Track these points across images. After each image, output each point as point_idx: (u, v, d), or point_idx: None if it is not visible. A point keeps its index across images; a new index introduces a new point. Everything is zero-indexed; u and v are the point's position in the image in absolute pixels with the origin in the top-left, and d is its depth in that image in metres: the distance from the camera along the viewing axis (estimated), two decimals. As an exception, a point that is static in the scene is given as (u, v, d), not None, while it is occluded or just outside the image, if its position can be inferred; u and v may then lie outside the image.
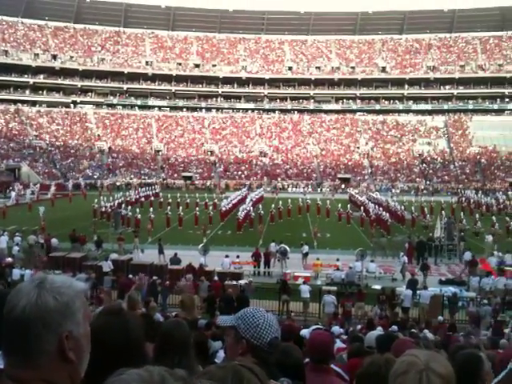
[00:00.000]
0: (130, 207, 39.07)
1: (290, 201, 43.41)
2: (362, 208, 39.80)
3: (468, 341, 11.25)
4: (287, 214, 41.37)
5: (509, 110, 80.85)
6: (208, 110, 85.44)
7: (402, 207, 40.08)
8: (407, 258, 25.31)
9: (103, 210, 38.93)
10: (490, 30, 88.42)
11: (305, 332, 6.32)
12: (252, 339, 2.22)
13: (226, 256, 23.40)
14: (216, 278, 20.00)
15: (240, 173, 70.64)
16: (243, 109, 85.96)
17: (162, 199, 46.94)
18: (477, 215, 38.03)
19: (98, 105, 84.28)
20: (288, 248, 24.98)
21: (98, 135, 77.73)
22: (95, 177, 67.73)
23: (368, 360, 3.17)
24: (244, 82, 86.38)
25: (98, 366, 1.55)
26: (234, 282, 19.57)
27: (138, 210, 38.37)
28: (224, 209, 39.91)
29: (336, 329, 9.55)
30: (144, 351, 2.48)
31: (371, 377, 2.82)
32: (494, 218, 37.20)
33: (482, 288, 20.66)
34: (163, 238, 28.07)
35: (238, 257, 24.21)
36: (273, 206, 40.36)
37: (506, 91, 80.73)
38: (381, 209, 38.62)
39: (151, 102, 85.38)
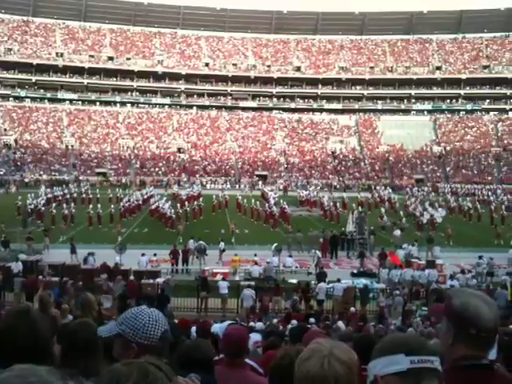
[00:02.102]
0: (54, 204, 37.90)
1: (214, 197, 43.70)
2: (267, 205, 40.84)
3: (377, 330, 11.78)
4: (211, 209, 41.65)
5: (415, 110, 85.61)
6: (123, 104, 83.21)
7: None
8: (321, 252, 26.16)
9: (32, 207, 37.23)
10: (398, 33, 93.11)
11: (216, 327, 6.34)
12: (142, 340, 2.15)
13: (143, 254, 22.97)
14: (132, 277, 19.59)
15: (157, 169, 69.51)
16: (160, 104, 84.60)
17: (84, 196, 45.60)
18: (383, 210, 39.96)
19: (4, 97, 79.47)
20: (206, 245, 24.96)
21: (5, 129, 73.36)
22: (1, 173, 63.92)
23: (280, 352, 3.23)
24: (160, 76, 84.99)
25: (6, 366, 1.48)
26: (151, 281, 19.26)
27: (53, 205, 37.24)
28: (126, 206, 39.16)
29: (253, 323, 9.66)
30: (52, 352, 2.38)
31: (284, 368, 2.86)
32: (401, 212, 39.35)
33: (390, 279, 21.75)
34: (76, 237, 27.09)
35: (155, 255, 23.87)
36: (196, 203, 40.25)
37: (413, 92, 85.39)
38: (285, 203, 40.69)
39: (62, 95, 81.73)
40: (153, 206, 38.20)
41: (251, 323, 9.63)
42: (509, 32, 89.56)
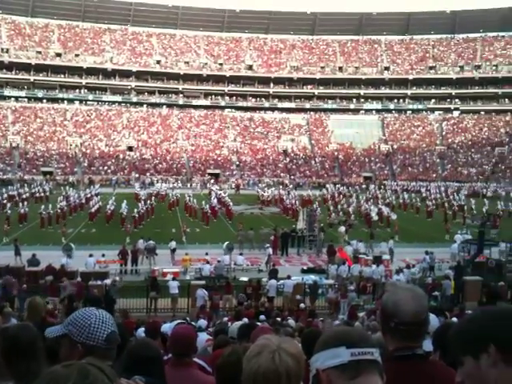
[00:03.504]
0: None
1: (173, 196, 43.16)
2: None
3: (326, 325, 12.03)
4: (168, 208, 41.33)
5: (364, 109, 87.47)
6: (70, 101, 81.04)
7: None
8: (272, 249, 26.38)
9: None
10: (348, 33, 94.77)
11: (166, 327, 6.33)
12: (87, 341, 2.15)
13: (90, 255, 22.48)
14: (79, 278, 19.17)
15: (106, 168, 68.09)
16: (109, 101, 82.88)
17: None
18: (331, 207, 40.64)
19: None
20: (156, 244, 24.70)
21: None
22: None
23: (227, 350, 3.27)
24: (110, 73, 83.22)
25: None
26: (99, 282, 18.89)
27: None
28: (64, 206, 38.26)
29: (202, 322, 9.68)
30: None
31: (231, 366, 2.90)
32: (350, 209, 40.17)
33: (339, 275, 22.19)
34: (20, 238, 26.24)
35: (103, 255, 23.40)
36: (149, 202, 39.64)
37: (362, 92, 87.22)
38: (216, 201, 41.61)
39: (7, 92, 78.77)
40: (108, 210, 36.87)
41: (199, 322, 9.66)
42: (454, 34, 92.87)
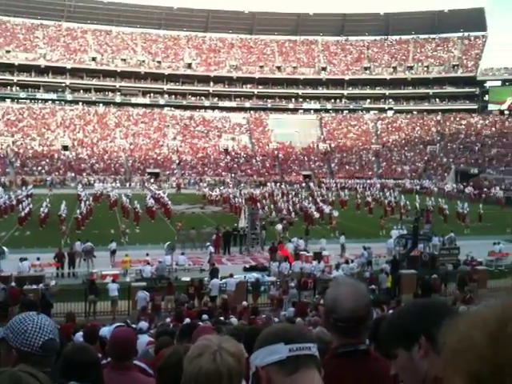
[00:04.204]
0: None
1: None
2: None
3: (268, 322, 12.15)
4: (109, 208, 40.52)
5: (303, 109, 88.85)
6: (1, 99, 77.50)
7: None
8: (214, 248, 26.32)
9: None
10: (285, 33, 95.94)
11: (105, 331, 6.19)
12: (22, 347, 2.09)
13: (24, 259, 21.58)
14: (13, 283, 18.39)
15: (40, 168, 65.58)
16: (43, 99, 79.92)
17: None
18: (272, 206, 41.06)
19: None
20: (94, 246, 24.07)
21: None
22: None
23: (168, 351, 3.23)
24: (43, 70, 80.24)
25: None
26: (35, 286, 18.21)
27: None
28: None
29: (143, 324, 9.53)
30: None
31: (172, 367, 2.86)
32: (290, 207, 40.72)
33: (281, 272, 22.46)
34: None
35: (38, 259, 22.56)
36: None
37: (300, 92, 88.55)
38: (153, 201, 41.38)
39: None
40: (42, 213, 35.40)
41: (140, 324, 9.51)
42: (388, 35, 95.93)
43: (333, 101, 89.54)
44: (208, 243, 26.34)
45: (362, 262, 24.46)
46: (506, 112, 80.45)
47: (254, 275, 21.70)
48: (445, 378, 0.73)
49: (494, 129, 77.39)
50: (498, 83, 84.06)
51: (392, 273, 20.89)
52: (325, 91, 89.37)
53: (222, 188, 54.57)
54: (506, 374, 0.62)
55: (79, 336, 7.18)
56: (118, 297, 18.49)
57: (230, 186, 59.24)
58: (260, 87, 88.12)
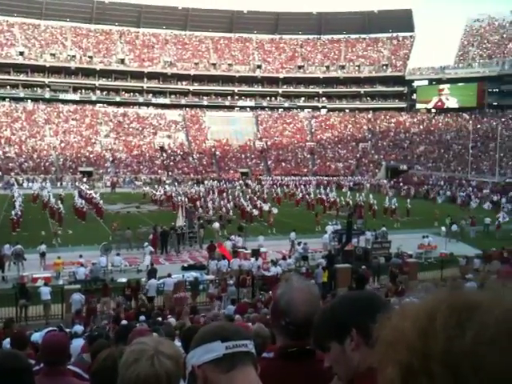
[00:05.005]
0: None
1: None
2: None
3: (207, 320, 12.11)
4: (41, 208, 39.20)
5: (239, 106, 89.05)
6: None
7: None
8: (152, 247, 25.96)
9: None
10: (220, 31, 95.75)
11: (37, 336, 5.98)
12: None
13: None
14: None
15: (-37, 168, 62.17)
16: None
17: None
18: (209, 204, 40.97)
19: None
20: (23, 248, 23.11)
21: None
22: None
23: (103, 354, 3.16)
24: (-36, 64, 76.06)
25: None
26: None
27: None
28: None
29: (78, 327, 9.25)
30: None
31: (107, 370, 2.81)
32: (228, 205, 40.78)
33: (219, 270, 22.48)
34: None
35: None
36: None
37: (236, 89, 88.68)
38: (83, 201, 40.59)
39: None
40: None
41: (75, 327, 9.22)
42: (320, 34, 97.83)
43: (268, 98, 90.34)
44: (146, 243, 25.98)
45: (297, 258, 24.94)
46: (433, 110, 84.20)
47: (193, 274, 21.59)
48: (378, 368, 0.77)
49: (421, 126, 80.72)
50: (425, 82, 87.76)
51: (328, 267, 21.41)
52: (260, 89, 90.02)
53: (166, 186, 53.72)
54: (433, 364, 0.67)
55: (7, 343, 6.87)
56: (50, 300, 17.88)
57: (175, 184, 58.51)
58: (195, 84, 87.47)
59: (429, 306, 0.73)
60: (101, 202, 40.42)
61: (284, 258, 23.37)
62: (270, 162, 75.83)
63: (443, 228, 31.22)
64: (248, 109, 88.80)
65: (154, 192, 49.05)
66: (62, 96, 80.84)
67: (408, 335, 0.72)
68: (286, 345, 2.13)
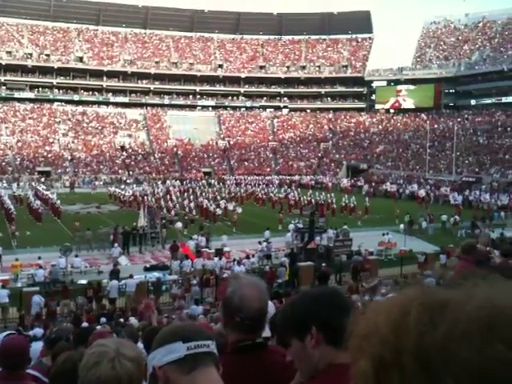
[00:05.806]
0: None
1: None
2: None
3: (171, 321, 12.06)
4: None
5: (200, 105, 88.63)
6: None
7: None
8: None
9: None
10: (181, 30, 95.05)
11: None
12: None
13: None
14: None
15: None
16: None
17: None
18: (170, 203, 40.71)
19: None
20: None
21: None
22: None
23: (62, 357, 3.12)
24: None
25: None
26: None
27: None
28: None
29: (38, 331, 9.03)
30: None
31: (66, 373, 2.77)
32: (191, 205, 40.61)
33: (182, 270, 22.35)
34: None
35: None
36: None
37: (198, 88, 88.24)
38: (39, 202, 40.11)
39: None
40: None
41: (34, 331, 9.00)
42: (281, 35, 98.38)
43: (230, 98, 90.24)
44: (116, 244, 25.68)
45: (260, 256, 25.04)
46: (391, 111, 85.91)
47: (155, 274, 21.39)
48: (351, 361, 0.79)
49: (380, 126, 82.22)
50: (384, 83, 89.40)
51: (290, 265, 21.58)
52: (222, 88, 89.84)
53: (134, 186, 52.78)
54: (405, 357, 0.69)
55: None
56: (8, 303, 17.43)
57: (145, 184, 57.71)
58: (156, 83, 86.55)
59: (403, 301, 0.75)
60: (58, 202, 39.46)
61: (248, 257, 23.42)
62: (232, 162, 75.81)
63: (401, 225, 31.89)
64: (210, 108, 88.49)
65: (123, 193, 47.82)
66: (17, 94, 78.67)
67: (381, 329, 0.74)
68: (239, 339, 2.17)
